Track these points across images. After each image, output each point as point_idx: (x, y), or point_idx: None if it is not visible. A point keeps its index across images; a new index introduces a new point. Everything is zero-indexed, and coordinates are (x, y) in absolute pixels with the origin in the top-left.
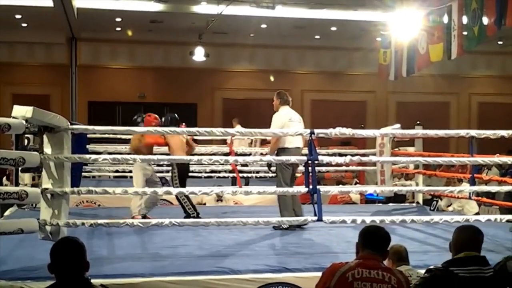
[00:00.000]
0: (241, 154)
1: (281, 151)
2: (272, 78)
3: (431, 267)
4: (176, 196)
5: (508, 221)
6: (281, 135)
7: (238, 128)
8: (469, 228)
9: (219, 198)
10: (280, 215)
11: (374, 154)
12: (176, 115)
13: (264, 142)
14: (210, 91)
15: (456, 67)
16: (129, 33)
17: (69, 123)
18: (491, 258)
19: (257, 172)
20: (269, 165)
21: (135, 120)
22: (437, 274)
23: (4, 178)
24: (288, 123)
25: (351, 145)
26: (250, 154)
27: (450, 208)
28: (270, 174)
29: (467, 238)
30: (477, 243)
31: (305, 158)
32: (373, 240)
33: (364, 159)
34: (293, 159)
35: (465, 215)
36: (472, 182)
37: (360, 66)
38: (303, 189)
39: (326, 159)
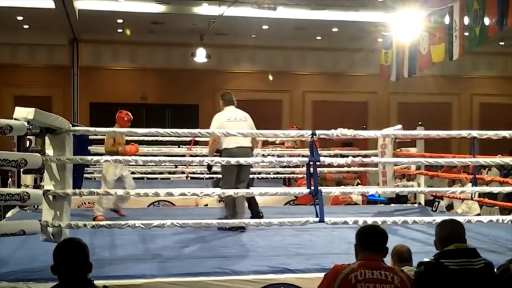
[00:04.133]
0: None
1: (223, 152)
2: (270, 77)
3: (423, 260)
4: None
5: (511, 221)
6: (282, 136)
7: None
8: (451, 222)
9: (221, 199)
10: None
11: (375, 155)
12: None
13: (265, 143)
14: (211, 92)
15: (457, 68)
16: (128, 32)
17: (70, 125)
18: (494, 259)
19: (259, 173)
20: (208, 166)
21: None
22: (429, 268)
23: (10, 180)
24: (225, 124)
25: (352, 146)
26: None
27: (459, 210)
28: (272, 176)
29: (452, 231)
30: (462, 235)
31: (306, 159)
32: (371, 239)
33: (366, 160)
34: (294, 160)
35: (467, 216)
36: (474, 183)
37: (361, 67)
38: (304, 190)
39: (327, 160)
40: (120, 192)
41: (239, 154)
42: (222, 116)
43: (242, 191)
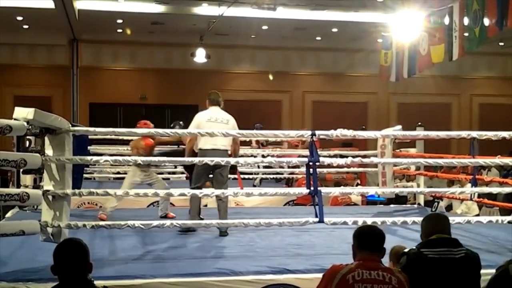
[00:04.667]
0: (241, 156)
1: (198, 152)
2: (271, 77)
3: (406, 250)
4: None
5: (509, 222)
6: (281, 136)
7: None
8: (436, 216)
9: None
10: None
11: (375, 156)
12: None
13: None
14: None
15: (457, 68)
16: (128, 32)
17: (70, 125)
18: (493, 260)
19: (263, 173)
20: (185, 167)
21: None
22: (411, 258)
23: (10, 184)
24: (204, 123)
25: (352, 146)
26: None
27: (458, 211)
28: (272, 176)
29: (436, 224)
30: (446, 228)
31: (306, 159)
32: (369, 240)
33: (365, 160)
34: (294, 160)
35: (466, 217)
36: (474, 183)
37: (361, 67)
38: (304, 190)
39: (327, 160)
40: (119, 192)
41: (213, 156)
42: (202, 116)
43: (243, 191)
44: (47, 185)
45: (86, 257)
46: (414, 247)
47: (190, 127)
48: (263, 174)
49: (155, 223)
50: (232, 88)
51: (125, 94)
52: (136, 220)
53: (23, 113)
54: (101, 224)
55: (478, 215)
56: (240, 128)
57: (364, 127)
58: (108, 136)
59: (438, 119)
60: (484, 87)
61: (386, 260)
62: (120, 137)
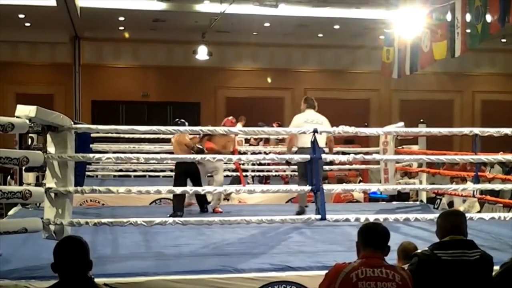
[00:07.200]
0: (244, 153)
1: (298, 151)
2: (269, 80)
3: (418, 251)
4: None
5: None
6: (284, 134)
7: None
8: (452, 214)
9: (226, 197)
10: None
11: (377, 152)
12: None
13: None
14: (213, 90)
15: (459, 65)
16: (129, 30)
17: (72, 122)
18: (496, 257)
19: (261, 171)
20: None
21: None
22: (423, 259)
23: (9, 177)
24: (302, 125)
25: (354, 143)
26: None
27: (461, 208)
28: (274, 173)
29: (451, 223)
30: (461, 227)
31: (308, 156)
32: (373, 237)
33: (368, 157)
34: (296, 157)
35: (469, 213)
36: (476, 180)
37: (363, 64)
38: (306, 187)
39: (329, 157)
40: (121, 189)
41: (307, 153)
42: (299, 118)
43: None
44: (50, 182)
45: (86, 254)
46: (427, 248)
47: (290, 127)
48: (252, 171)
49: (157, 220)
50: (234, 85)
51: (127, 91)
52: (138, 217)
53: (25, 111)
54: (103, 221)
55: (479, 212)
56: (242, 125)
57: (366, 124)
58: (110, 134)
59: (440, 116)
60: (486, 83)
61: (392, 257)
62: (122, 135)
